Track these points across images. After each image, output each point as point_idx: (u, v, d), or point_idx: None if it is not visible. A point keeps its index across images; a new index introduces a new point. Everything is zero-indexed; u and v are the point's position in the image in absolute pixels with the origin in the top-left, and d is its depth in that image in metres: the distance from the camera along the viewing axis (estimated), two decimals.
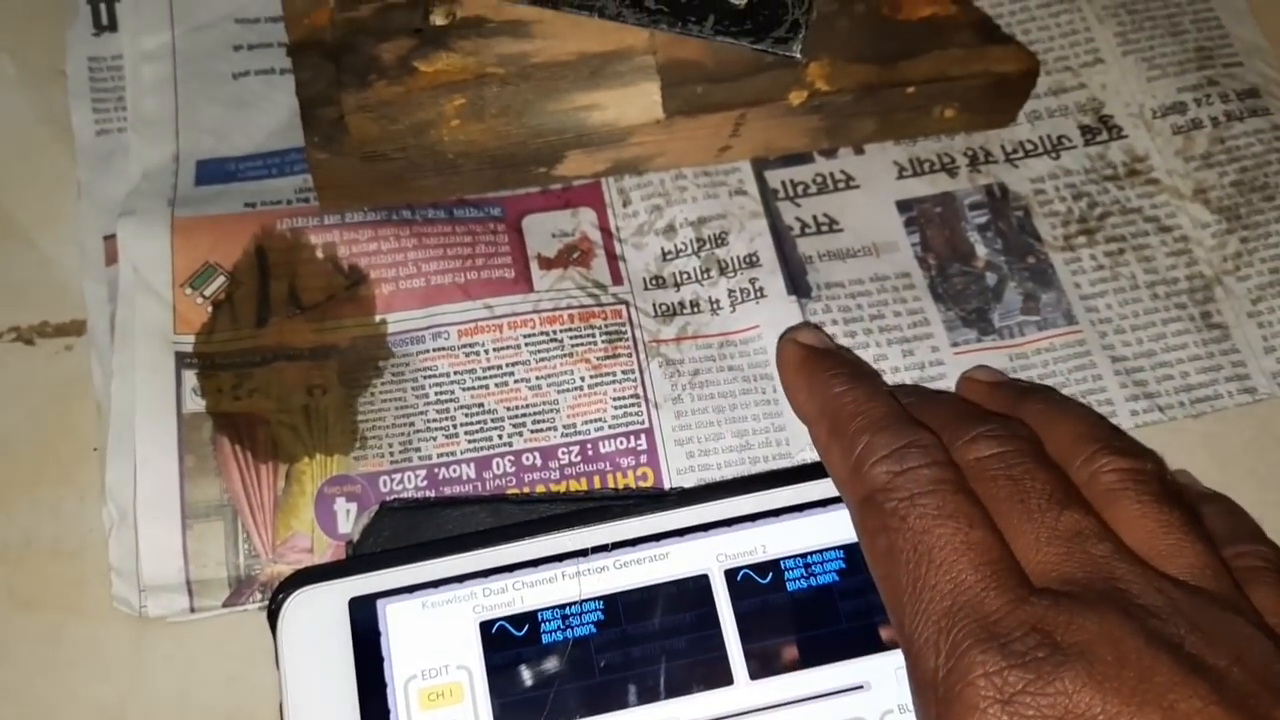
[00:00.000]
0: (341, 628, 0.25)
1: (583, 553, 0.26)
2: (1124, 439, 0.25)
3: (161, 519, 0.28)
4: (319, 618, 0.25)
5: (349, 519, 0.28)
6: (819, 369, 0.27)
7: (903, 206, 0.33)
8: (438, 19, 0.29)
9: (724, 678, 0.25)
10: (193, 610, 0.27)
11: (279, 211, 0.31)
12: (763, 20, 0.29)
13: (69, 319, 0.31)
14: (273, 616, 0.25)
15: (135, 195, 0.32)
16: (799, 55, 0.29)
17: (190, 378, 0.29)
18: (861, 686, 0.25)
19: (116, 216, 0.31)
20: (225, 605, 0.28)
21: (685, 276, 0.32)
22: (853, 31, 0.31)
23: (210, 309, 0.30)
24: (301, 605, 0.25)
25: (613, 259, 0.32)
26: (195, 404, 0.29)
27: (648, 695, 0.25)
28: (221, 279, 0.30)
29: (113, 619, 0.28)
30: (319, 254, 0.31)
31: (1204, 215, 0.33)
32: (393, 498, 0.28)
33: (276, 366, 0.29)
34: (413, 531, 0.27)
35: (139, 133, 0.33)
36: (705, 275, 0.32)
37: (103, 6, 0.35)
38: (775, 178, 0.33)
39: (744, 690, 0.25)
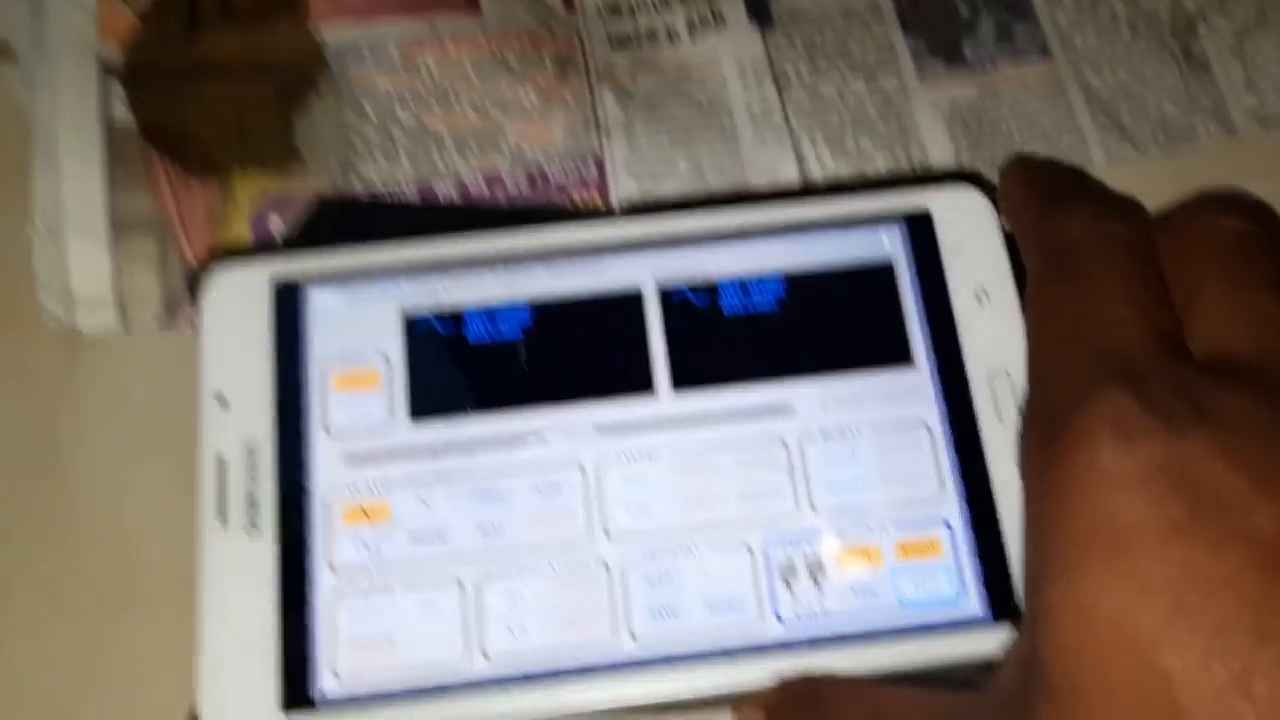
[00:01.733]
0: (263, 307, 0.24)
1: (517, 257, 0.25)
2: None
3: (89, 231, 0.27)
4: (241, 296, 0.24)
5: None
6: (1040, 165, 0.25)
7: None
8: None
9: (645, 385, 0.24)
10: (125, 327, 0.27)
11: None
12: None
13: None
14: (193, 289, 0.24)
15: None
16: None
17: (117, 90, 0.28)
18: (786, 409, 0.24)
19: None
20: (160, 325, 0.27)
21: (641, 4, 0.30)
22: None
23: (138, 20, 0.28)
24: (224, 281, 0.24)
25: None
26: (124, 117, 0.28)
27: (566, 395, 0.24)
28: None
29: (41, 336, 0.27)
30: None
31: None
32: (333, 194, 0.27)
33: (208, 81, 0.28)
34: (350, 230, 0.26)
35: None
36: (662, 3, 0.30)
37: None
38: None
39: (666, 400, 0.24)
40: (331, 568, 0.23)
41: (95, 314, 0.26)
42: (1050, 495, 0.18)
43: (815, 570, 0.23)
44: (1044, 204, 0.23)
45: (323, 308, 0.25)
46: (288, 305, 0.25)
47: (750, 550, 0.23)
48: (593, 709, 0.23)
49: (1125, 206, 0.23)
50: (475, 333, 0.25)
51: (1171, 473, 0.18)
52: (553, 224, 0.26)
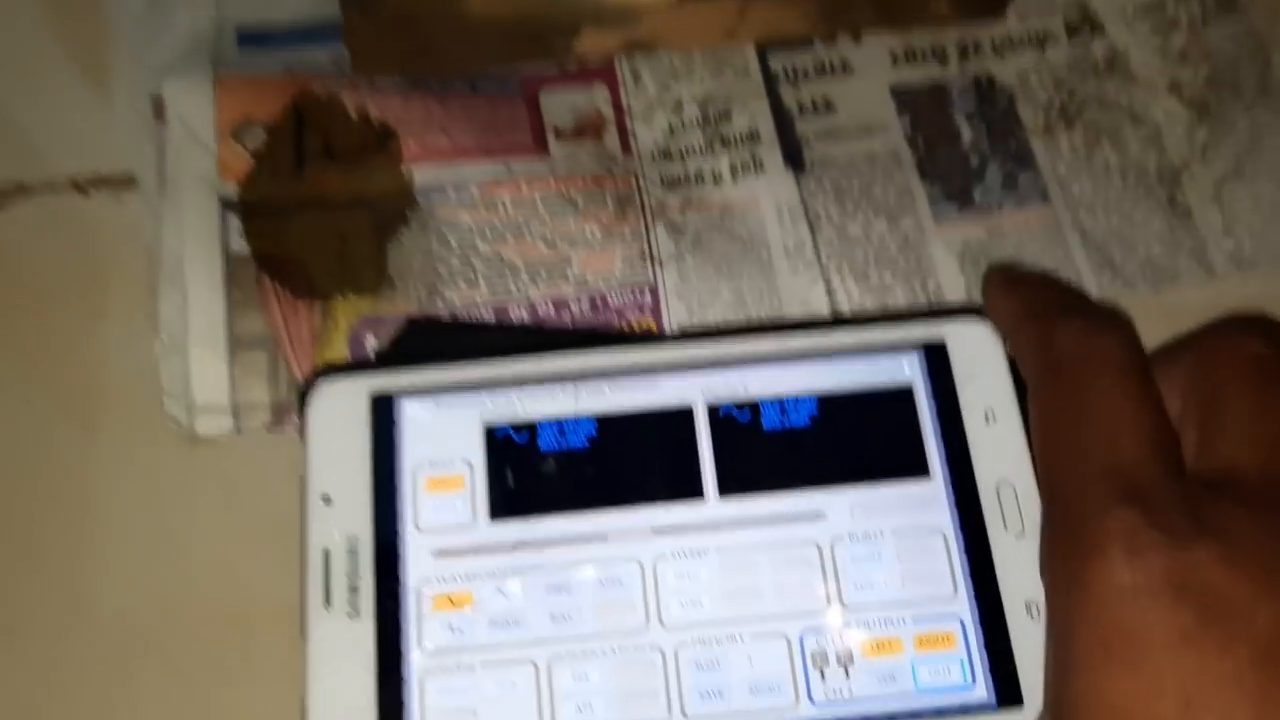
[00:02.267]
0: (362, 416, 0.28)
1: (584, 375, 0.29)
2: None
3: (210, 347, 0.31)
4: (343, 405, 0.28)
5: None
6: (1022, 278, 0.28)
7: (895, 92, 0.35)
8: None
9: (695, 492, 0.28)
10: (237, 430, 0.30)
11: (314, 75, 0.34)
12: None
13: (119, 172, 0.34)
14: (303, 400, 0.28)
15: (181, 57, 0.34)
16: None
17: (234, 221, 0.32)
18: (818, 515, 0.28)
19: (163, 77, 0.34)
20: (267, 428, 0.30)
21: (690, 150, 0.34)
22: None
23: (252, 160, 0.33)
24: (328, 392, 0.28)
25: (623, 133, 0.34)
26: (240, 245, 0.32)
27: (627, 500, 0.28)
28: (261, 132, 0.33)
29: (166, 438, 0.31)
30: (351, 112, 0.33)
31: (1176, 108, 0.35)
32: (420, 315, 0.31)
33: (312, 214, 0.32)
34: (435, 346, 0.30)
35: (183, 2, 0.35)
36: (709, 149, 0.34)
37: None
38: (777, 61, 0.35)
39: (713, 506, 0.28)
40: (422, 649, 0.27)
41: (212, 419, 0.30)
42: (1074, 604, 0.21)
43: (844, 658, 0.27)
44: (1031, 316, 0.26)
45: (414, 418, 0.29)
46: (383, 415, 0.29)
47: (788, 640, 0.27)
48: None
49: (1112, 318, 0.25)
50: (547, 442, 0.29)
51: (1178, 584, 0.20)
52: (614, 346, 0.29)
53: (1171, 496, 0.21)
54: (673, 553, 0.27)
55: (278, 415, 0.30)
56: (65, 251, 0.33)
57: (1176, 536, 0.20)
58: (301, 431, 0.29)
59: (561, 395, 0.29)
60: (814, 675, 0.26)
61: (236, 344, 0.31)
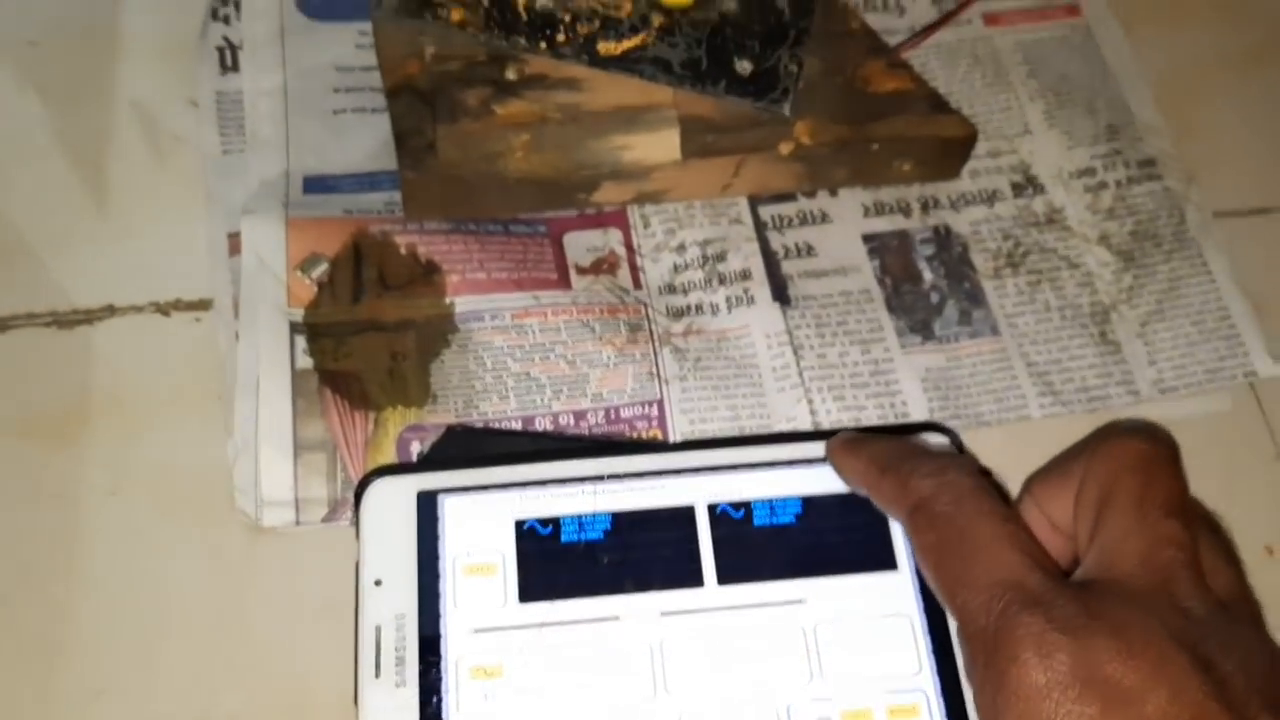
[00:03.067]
0: (409, 511, 0.33)
1: (600, 477, 0.34)
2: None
3: (278, 449, 0.35)
4: (392, 501, 0.33)
5: None
6: (862, 440, 0.33)
7: (867, 238, 0.41)
8: (510, 75, 0.37)
9: (697, 581, 0.33)
10: (297, 522, 0.35)
11: (370, 218, 0.39)
12: (763, 85, 0.37)
13: (197, 297, 0.39)
14: (358, 497, 0.33)
15: (255, 200, 0.40)
16: (788, 114, 0.38)
17: (300, 341, 0.37)
18: (802, 600, 0.32)
19: (239, 217, 0.39)
20: (323, 520, 0.35)
21: (691, 285, 0.40)
22: (832, 98, 0.40)
23: (316, 288, 0.38)
24: (380, 489, 0.33)
25: (634, 269, 0.40)
26: (305, 362, 0.37)
27: (637, 586, 0.32)
28: (325, 265, 0.38)
29: (234, 527, 0.35)
30: (402, 250, 0.39)
31: (1105, 256, 0.41)
32: (458, 423, 0.36)
33: (367, 335, 0.37)
34: (471, 451, 0.35)
35: (256, 152, 0.41)
36: (708, 285, 0.40)
37: (227, 53, 0.44)
38: (766, 211, 0.41)
39: (712, 591, 0.32)
40: (460, 714, 0.31)
41: (277, 512, 0.35)
42: (1000, 704, 0.25)
43: None
44: (883, 470, 0.30)
45: (454, 512, 0.33)
46: (428, 510, 0.33)
47: (776, 710, 0.31)
48: None
49: (951, 456, 0.29)
50: (568, 535, 0.33)
51: (1084, 678, 0.23)
52: (626, 453, 0.34)
53: (1066, 599, 0.24)
54: (677, 633, 0.32)
55: (333, 509, 0.35)
56: (148, 363, 0.38)
57: (1078, 635, 0.24)
58: (356, 523, 0.33)
59: (581, 495, 0.34)
60: None
61: (300, 447, 0.35)
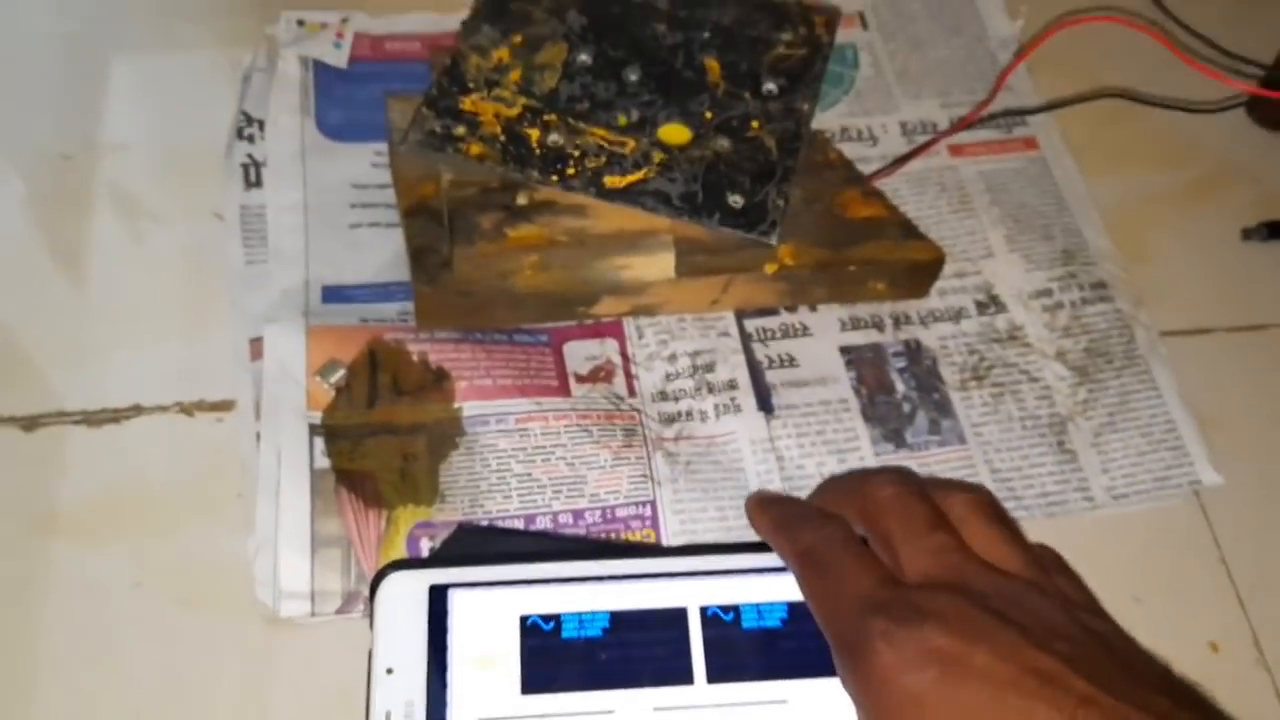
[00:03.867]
0: (420, 604, 0.35)
1: (600, 578, 0.36)
2: (976, 489, 0.36)
3: (296, 544, 0.38)
4: (405, 594, 0.35)
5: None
6: (768, 501, 0.38)
7: (844, 351, 0.44)
8: (522, 200, 0.40)
9: (688, 679, 0.35)
10: (313, 614, 0.37)
11: (385, 327, 0.42)
12: (753, 217, 0.41)
13: (220, 399, 0.42)
14: (373, 589, 0.35)
15: (277, 309, 0.43)
16: (775, 243, 0.41)
17: (319, 443, 0.40)
18: (785, 701, 0.35)
19: (261, 324, 0.42)
20: (337, 612, 0.37)
21: (682, 393, 0.43)
22: (812, 223, 0.44)
23: (334, 393, 0.41)
24: (394, 583, 0.35)
25: (629, 378, 0.43)
26: (322, 462, 0.39)
27: (632, 682, 0.35)
28: (342, 371, 0.41)
29: (252, 619, 0.37)
30: (414, 357, 0.42)
31: (1062, 371, 0.45)
32: (467, 521, 0.38)
33: (381, 438, 0.40)
34: (479, 548, 0.37)
35: (278, 263, 0.44)
36: (697, 393, 0.43)
37: (252, 169, 0.47)
38: (751, 324, 0.45)
39: (702, 689, 0.35)
40: None
41: (294, 604, 0.37)
42: (867, 695, 0.30)
43: None
44: (780, 527, 0.36)
45: (462, 606, 0.36)
46: (437, 603, 0.35)
47: None
48: None
49: (830, 517, 0.36)
50: (569, 631, 0.35)
51: (923, 653, 0.29)
52: (625, 556, 0.37)
53: (900, 601, 0.31)
54: None
55: (347, 601, 0.37)
56: (173, 461, 0.40)
57: (911, 624, 0.30)
58: (370, 613, 0.35)
59: (582, 594, 0.36)
60: None
61: (317, 542, 0.38)
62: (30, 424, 0.41)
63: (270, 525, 0.38)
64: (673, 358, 0.44)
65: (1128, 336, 0.46)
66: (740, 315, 0.45)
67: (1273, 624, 0.40)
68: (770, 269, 0.43)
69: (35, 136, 0.48)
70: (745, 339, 0.44)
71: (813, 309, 0.45)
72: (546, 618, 0.36)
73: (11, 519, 0.39)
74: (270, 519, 0.38)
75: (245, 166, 0.47)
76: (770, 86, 0.45)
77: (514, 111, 0.42)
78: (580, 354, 0.43)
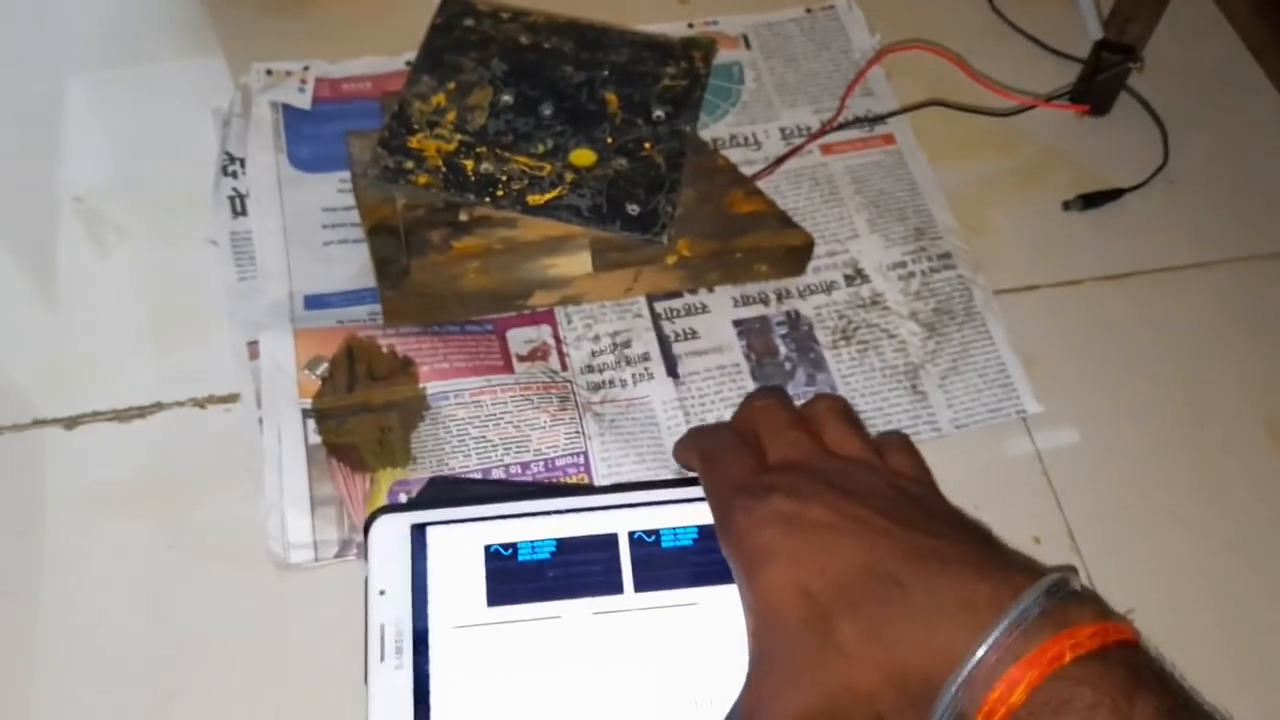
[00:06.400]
0: (404, 539, 0.44)
1: (547, 512, 0.46)
2: (833, 397, 0.46)
3: (298, 505, 0.47)
4: (392, 532, 0.44)
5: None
6: (689, 430, 0.48)
7: (736, 324, 0.54)
8: (463, 217, 0.50)
9: (619, 589, 0.44)
10: (316, 559, 0.46)
11: (358, 326, 0.52)
12: (647, 222, 0.51)
13: (227, 393, 0.51)
14: (366, 530, 0.44)
15: (267, 316, 0.52)
16: (666, 242, 0.51)
17: (311, 424, 0.49)
18: (696, 604, 0.44)
19: (255, 330, 0.51)
20: (336, 556, 0.47)
21: (605, 366, 0.52)
22: (705, 221, 0.53)
23: (320, 382, 0.50)
24: (383, 524, 0.44)
25: (562, 355, 0.53)
26: (315, 439, 0.48)
27: (575, 593, 0.44)
28: (325, 364, 0.50)
29: (267, 567, 0.46)
30: (384, 349, 0.51)
31: (915, 328, 0.55)
32: (437, 475, 0.48)
33: (361, 416, 0.49)
34: (448, 495, 0.47)
35: (265, 279, 0.53)
36: (618, 365, 0.52)
37: (237, 201, 0.56)
38: (660, 306, 0.54)
39: (630, 597, 0.44)
40: (444, 687, 0.42)
41: (300, 552, 0.46)
42: (733, 553, 0.39)
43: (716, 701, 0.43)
44: (690, 439, 0.46)
45: (437, 540, 0.45)
46: (418, 538, 0.45)
47: (677, 684, 0.43)
48: None
49: (722, 426, 0.45)
50: (524, 556, 0.45)
51: (770, 514, 0.38)
52: (567, 495, 0.46)
53: (757, 482, 0.40)
54: (605, 627, 0.44)
55: (343, 548, 0.47)
56: (191, 446, 0.49)
57: (762, 495, 0.38)
58: (364, 548, 0.45)
59: (532, 526, 0.45)
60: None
61: (315, 502, 0.47)
62: (71, 423, 0.50)
63: (276, 491, 0.47)
64: (596, 338, 0.53)
65: (968, 296, 0.56)
66: (651, 299, 0.54)
67: (1082, 519, 0.50)
68: (671, 260, 0.52)
69: (53, 184, 0.57)
70: (655, 318, 0.54)
71: (710, 290, 0.55)
72: (505, 546, 0.45)
73: (61, 502, 0.48)
74: (276, 486, 0.47)
75: (231, 198, 0.56)
76: (659, 113, 0.54)
77: (452, 146, 0.51)
78: (520, 338, 0.53)
